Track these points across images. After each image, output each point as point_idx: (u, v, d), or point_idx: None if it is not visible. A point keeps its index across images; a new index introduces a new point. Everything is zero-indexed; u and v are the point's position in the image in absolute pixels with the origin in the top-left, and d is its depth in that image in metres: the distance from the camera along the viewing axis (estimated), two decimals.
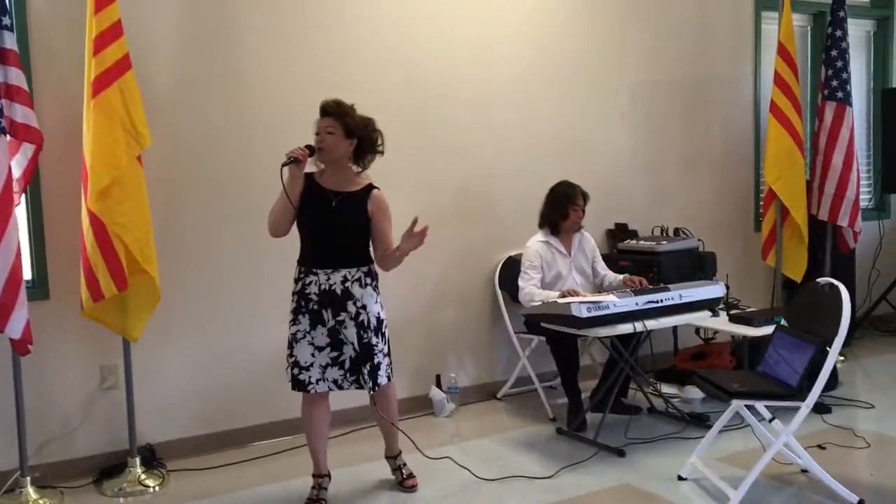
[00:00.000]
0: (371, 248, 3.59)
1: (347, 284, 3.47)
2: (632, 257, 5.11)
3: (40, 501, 3.67)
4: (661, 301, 4.13)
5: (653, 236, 5.37)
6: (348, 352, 3.48)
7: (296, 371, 3.48)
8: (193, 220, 4.20)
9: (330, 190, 3.49)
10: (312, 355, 3.47)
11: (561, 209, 4.58)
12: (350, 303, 3.47)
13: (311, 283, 3.46)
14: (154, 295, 3.79)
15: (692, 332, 5.44)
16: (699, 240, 5.35)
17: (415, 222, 3.48)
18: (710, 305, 4.42)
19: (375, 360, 3.52)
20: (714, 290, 4.32)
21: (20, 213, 3.66)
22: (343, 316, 3.47)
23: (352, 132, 3.49)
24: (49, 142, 3.66)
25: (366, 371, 3.50)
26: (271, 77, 4.35)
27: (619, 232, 5.46)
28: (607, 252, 5.36)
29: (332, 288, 3.46)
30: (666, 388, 4.94)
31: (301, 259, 3.54)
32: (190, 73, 4.18)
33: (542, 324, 4.34)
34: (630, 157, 5.58)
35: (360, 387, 3.53)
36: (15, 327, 3.41)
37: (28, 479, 3.69)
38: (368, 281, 3.53)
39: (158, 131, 3.84)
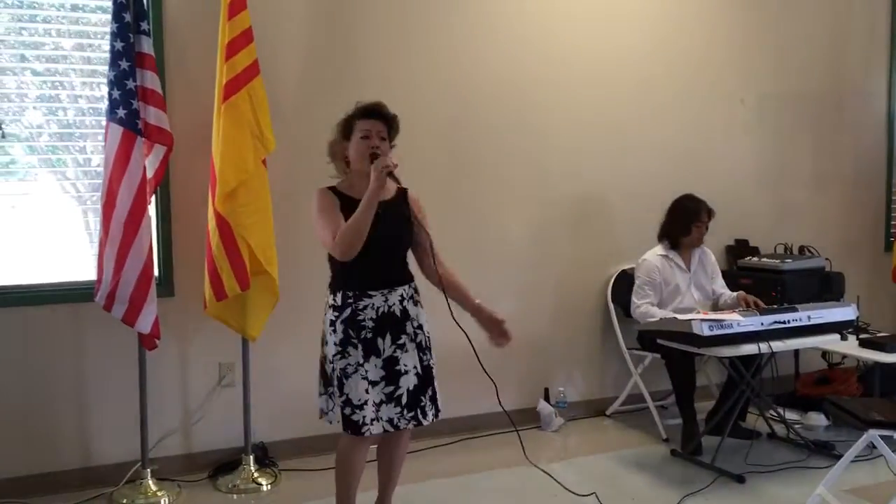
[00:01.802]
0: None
1: (405, 304, 3.08)
2: (754, 275, 4.91)
3: (159, 493, 3.77)
4: (788, 322, 3.94)
5: (776, 254, 5.15)
6: (406, 383, 3.05)
7: (347, 411, 2.99)
8: (310, 225, 4.24)
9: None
10: (366, 391, 2.99)
11: (684, 225, 4.45)
12: (408, 323, 3.09)
13: (365, 307, 3.02)
14: (273, 295, 3.85)
15: (815, 355, 5.19)
16: (826, 259, 5.10)
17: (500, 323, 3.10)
18: (839, 328, 4.19)
19: (435, 384, 3.15)
20: (845, 313, 4.10)
21: (150, 212, 3.77)
22: (403, 339, 3.07)
23: (393, 139, 3.14)
24: (178, 144, 3.76)
25: (427, 398, 3.11)
26: (390, 88, 4.34)
27: (740, 248, 5.27)
28: (726, 268, 5.17)
29: (392, 310, 3.05)
30: (787, 414, 4.71)
31: (344, 283, 3.04)
32: (310, 82, 4.24)
33: (659, 340, 4.21)
34: (753, 171, 5.39)
35: (419, 423, 3.09)
36: (145, 322, 3.52)
37: (149, 471, 3.80)
38: (419, 297, 3.16)
39: (278, 137, 3.88)
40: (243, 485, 3.90)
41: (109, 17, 3.73)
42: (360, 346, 3.00)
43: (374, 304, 3.03)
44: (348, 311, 3.01)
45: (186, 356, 4.06)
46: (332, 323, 3.03)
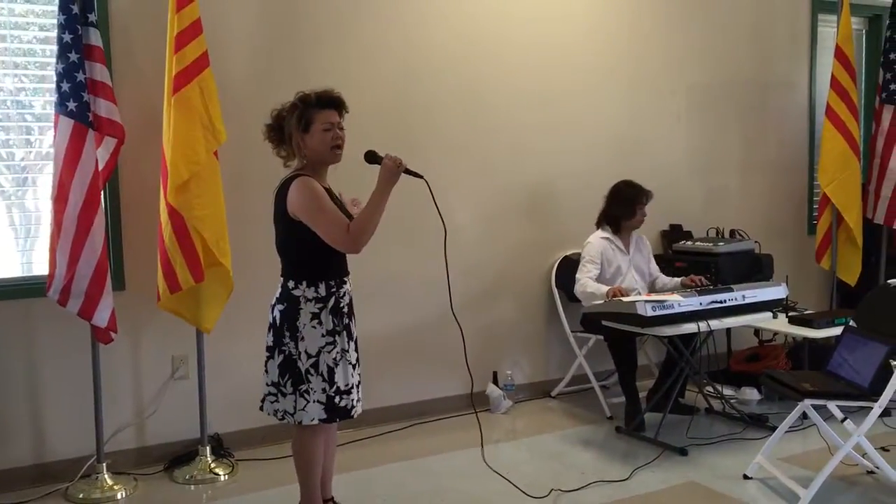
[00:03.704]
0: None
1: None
2: (688, 258, 5.12)
3: (115, 487, 3.75)
4: (725, 301, 4.15)
5: (709, 238, 5.39)
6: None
7: (337, 399, 3.04)
8: (263, 216, 4.25)
9: (331, 191, 3.16)
10: (352, 375, 3.11)
11: (628, 208, 4.61)
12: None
13: (343, 294, 3.10)
14: (228, 287, 3.87)
15: (746, 332, 5.44)
16: (756, 241, 5.35)
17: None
18: (771, 307, 4.43)
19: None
20: (777, 292, 4.33)
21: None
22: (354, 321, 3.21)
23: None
24: (127, 136, 3.72)
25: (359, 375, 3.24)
26: (338, 81, 4.35)
27: (674, 233, 5.48)
28: (661, 252, 5.38)
29: (351, 295, 3.18)
30: (722, 390, 4.95)
31: (324, 273, 3.05)
32: (260, 73, 4.25)
33: (604, 322, 4.37)
34: (685, 159, 5.61)
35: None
36: (102, 316, 3.50)
37: (104, 465, 3.78)
38: None
39: (229, 129, 3.88)
40: (201, 476, 3.91)
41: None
42: (343, 333, 3.08)
43: (346, 290, 3.13)
44: (332, 300, 3.05)
45: (139, 349, 4.05)
46: (316, 315, 3.01)
